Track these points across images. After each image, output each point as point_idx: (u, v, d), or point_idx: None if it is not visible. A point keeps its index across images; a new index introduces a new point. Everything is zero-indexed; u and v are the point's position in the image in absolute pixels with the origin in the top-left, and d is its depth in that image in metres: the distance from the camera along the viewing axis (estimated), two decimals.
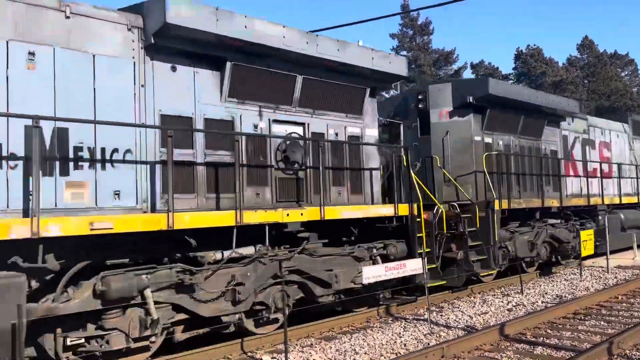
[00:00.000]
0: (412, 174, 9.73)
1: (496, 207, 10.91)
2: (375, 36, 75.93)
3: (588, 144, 15.94)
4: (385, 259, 8.71)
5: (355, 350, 7.10)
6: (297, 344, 7.49)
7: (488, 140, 11.99)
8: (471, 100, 11.33)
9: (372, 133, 9.23)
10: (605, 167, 16.22)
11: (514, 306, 9.67)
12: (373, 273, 7.88)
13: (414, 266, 8.36)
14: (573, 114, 14.40)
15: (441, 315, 9.05)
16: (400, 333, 7.88)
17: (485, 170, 11.06)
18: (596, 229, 14.39)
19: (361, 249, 8.41)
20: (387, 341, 7.48)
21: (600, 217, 14.88)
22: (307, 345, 7.45)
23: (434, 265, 9.88)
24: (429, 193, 10.30)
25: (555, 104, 13.37)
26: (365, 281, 7.87)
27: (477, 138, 11.72)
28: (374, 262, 8.48)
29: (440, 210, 10.50)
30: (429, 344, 7.25)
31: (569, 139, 14.99)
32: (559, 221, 13.72)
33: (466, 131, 11.64)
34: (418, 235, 9.14)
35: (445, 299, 10.40)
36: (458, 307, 9.60)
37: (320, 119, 8.37)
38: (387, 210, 8.58)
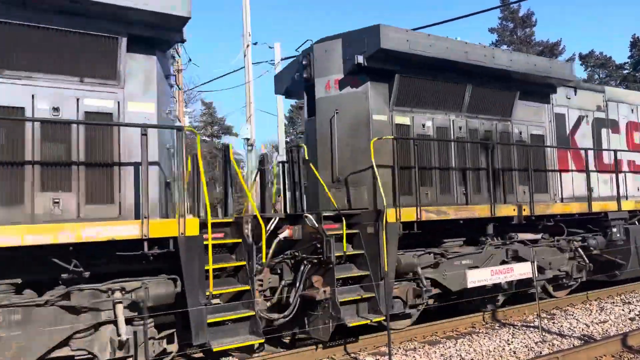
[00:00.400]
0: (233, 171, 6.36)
1: (390, 218, 7.18)
2: (473, 31, 69.80)
3: (605, 126, 11.39)
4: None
5: (460, 355, 6.87)
6: (400, 347, 7.35)
7: (402, 120, 8.21)
8: (360, 61, 7.65)
9: None
10: (636, 157, 11.64)
11: (637, 315, 8.76)
12: None
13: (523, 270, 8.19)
14: (566, 81, 10.04)
15: (553, 323, 8.43)
16: (508, 340, 7.49)
17: (374, 163, 7.33)
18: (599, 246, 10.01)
19: None
20: (494, 348, 7.16)
21: (615, 229, 10.38)
22: (411, 349, 7.28)
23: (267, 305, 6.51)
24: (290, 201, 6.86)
25: (529, 68, 9.19)
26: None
27: (380, 117, 7.98)
28: None
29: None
30: (541, 352, 6.82)
31: (568, 118, 10.64)
32: (539, 236, 9.53)
33: (361, 108, 7.95)
34: (207, 267, 5.75)
35: (557, 306, 9.55)
36: (572, 315, 8.89)
37: None
38: (119, 230, 5.22)
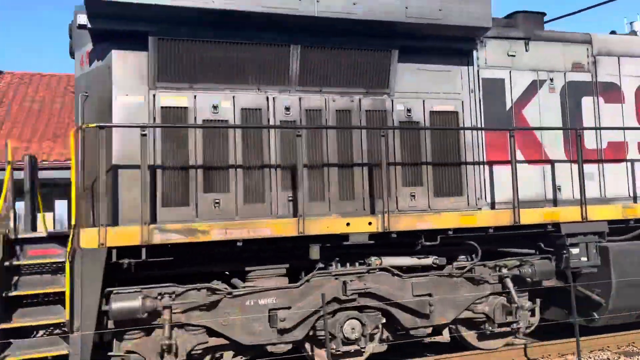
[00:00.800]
0: None
1: (87, 242, 4.96)
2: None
3: (592, 92, 7.59)
4: None
5: None
6: (590, 357, 6.92)
7: (173, 100, 5.85)
8: (83, 21, 5.50)
9: None
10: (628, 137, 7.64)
11: None
12: None
13: None
14: (482, 29, 6.63)
15: None
16: None
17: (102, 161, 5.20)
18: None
19: None
20: None
21: (576, 250, 6.73)
22: (603, 359, 6.88)
23: None
24: None
25: (406, 13, 6.13)
26: None
27: (131, 99, 5.73)
28: None
29: None
30: None
31: (511, 84, 7.18)
32: (430, 260, 6.43)
33: (105, 87, 5.77)
34: None
35: None
36: None
37: None
38: None
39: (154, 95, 5.81)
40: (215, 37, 5.84)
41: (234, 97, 6.06)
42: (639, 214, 7.09)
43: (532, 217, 6.52)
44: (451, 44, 6.72)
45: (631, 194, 7.55)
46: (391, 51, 6.42)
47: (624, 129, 7.60)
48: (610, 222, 6.96)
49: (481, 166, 6.93)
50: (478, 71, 7.05)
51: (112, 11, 5.41)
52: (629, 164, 7.63)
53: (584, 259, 6.70)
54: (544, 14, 8.00)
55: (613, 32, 8.78)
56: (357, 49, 6.30)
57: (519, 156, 7.01)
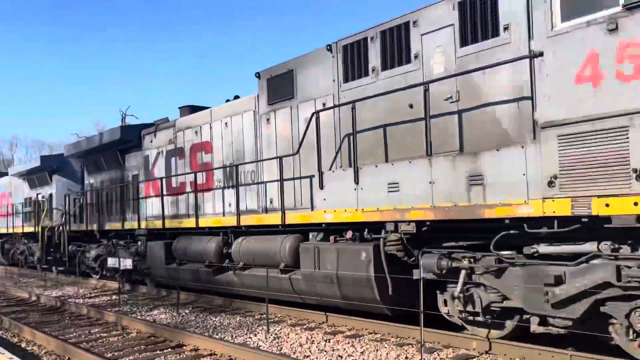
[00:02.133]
0: None
1: None
2: None
3: (175, 155, 13.04)
4: None
5: None
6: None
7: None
8: None
9: None
10: (200, 177, 12.23)
11: None
12: None
13: None
14: (129, 141, 14.31)
15: None
16: None
17: None
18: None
19: None
20: None
21: (139, 243, 13.30)
22: None
23: None
24: None
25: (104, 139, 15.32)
26: None
27: None
28: None
29: None
30: None
31: (150, 157, 14.01)
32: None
33: None
34: None
35: None
36: None
37: None
38: None
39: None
40: None
41: None
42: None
43: (128, 225, 13.91)
44: (129, 145, 14.78)
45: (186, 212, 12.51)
46: (119, 149, 15.34)
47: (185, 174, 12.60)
48: None
49: (143, 200, 14.37)
50: (143, 152, 14.42)
51: None
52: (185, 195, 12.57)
53: (142, 248, 13.32)
54: (189, 107, 13.63)
55: (236, 97, 12.31)
56: (114, 152, 15.72)
57: (151, 193, 13.96)
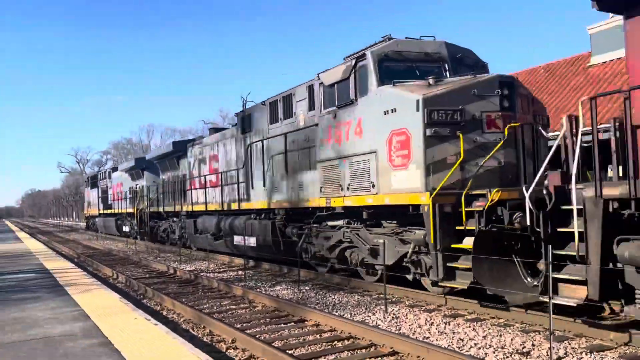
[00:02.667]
0: None
1: None
2: None
3: (202, 162, 19.64)
4: None
5: None
6: None
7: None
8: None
9: None
10: (212, 178, 18.72)
11: None
12: None
13: None
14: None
15: None
16: None
17: None
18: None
19: None
20: None
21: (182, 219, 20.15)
22: None
23: None
24: None
25: (166, 150, 22.44)
26: None
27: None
28: None
29: None
30: None
31: (191, 163, 20.74)
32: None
33: None
34: None
35: None
36: None
37: None
38: None
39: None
40: None
41: None
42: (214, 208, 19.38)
43: (178, 208, 20.87)
44: (179, 154, 21.75)
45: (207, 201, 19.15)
46: (175, 159, 22.43)
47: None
48: None
49: (191, 191, 21.27)
50: (187, 159, 21.26)
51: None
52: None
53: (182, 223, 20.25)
54: (213, 129, 20.31)
55: (234, 125, 18.83)
56: (172, 160, 22.89)
57: (193, 187, 20.89)
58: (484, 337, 6.98)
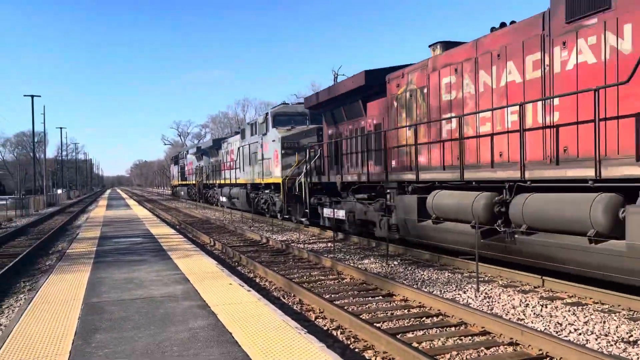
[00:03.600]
0: None
1: None
2: None
3: (227, 154, 30.38)
4: None
5: None
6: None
7: None
8: None
9: None
10: (229, 164, 29.38)
11: None
12: None
13: None
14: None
15: None
16: None
17: None
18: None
19: None
20: None
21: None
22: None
23: None
24: None
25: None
26: None
27: None
28: None
29: None
30: None
31: (223, 154, 31.30)
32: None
33: None
34: None
35: None
36: None
37: None
38: None
39: None
40: None
41: None
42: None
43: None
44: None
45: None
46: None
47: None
48: None
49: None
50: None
51: None
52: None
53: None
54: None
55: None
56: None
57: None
58: (585, 322, 6.57)
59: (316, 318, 7.10)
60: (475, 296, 8.02)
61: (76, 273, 9.21)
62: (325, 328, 6.66)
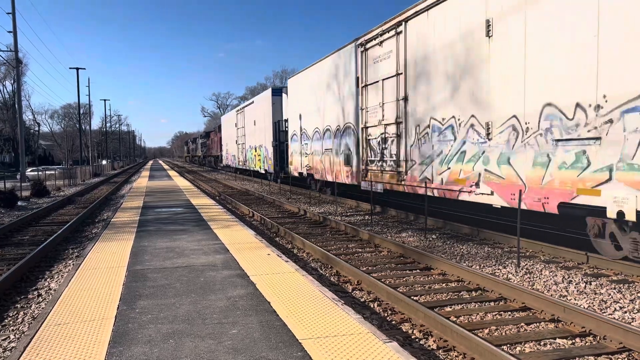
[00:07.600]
0: None
1: None
2: None
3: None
4: None
5: None
6: None
7: None
8: None
9: None
10: None
11: None
12: None
13: None
14: None
15: None
16: None
17: None
18: None
19: None
20: None
21: None
22: None
23: None
24: None
25: None
26: None
27: None
28: None
29: None
30: None
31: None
32: None
33: None
34: None
35: None
36: None
37: None
38: None
39: None
40: None
41: None
42: None
43: None
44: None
45: None
46: None
47: None
48: None
49: None
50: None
51: None
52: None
53: None
54: None
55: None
56: None
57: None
58: (632, 300, 6.39)
59: (353, 290, 7.15)
60: (516, 271, 7.89)
61: (120, 241, 9.53)
62: (362, 300, 6.70)
